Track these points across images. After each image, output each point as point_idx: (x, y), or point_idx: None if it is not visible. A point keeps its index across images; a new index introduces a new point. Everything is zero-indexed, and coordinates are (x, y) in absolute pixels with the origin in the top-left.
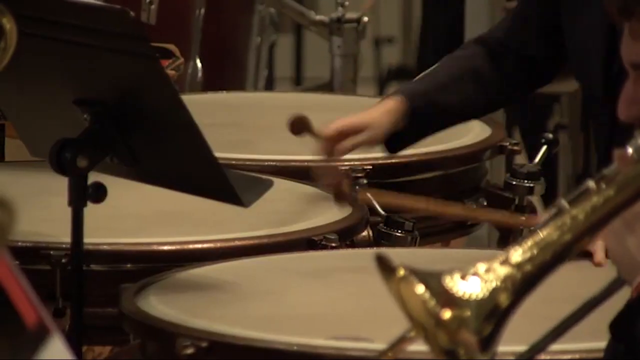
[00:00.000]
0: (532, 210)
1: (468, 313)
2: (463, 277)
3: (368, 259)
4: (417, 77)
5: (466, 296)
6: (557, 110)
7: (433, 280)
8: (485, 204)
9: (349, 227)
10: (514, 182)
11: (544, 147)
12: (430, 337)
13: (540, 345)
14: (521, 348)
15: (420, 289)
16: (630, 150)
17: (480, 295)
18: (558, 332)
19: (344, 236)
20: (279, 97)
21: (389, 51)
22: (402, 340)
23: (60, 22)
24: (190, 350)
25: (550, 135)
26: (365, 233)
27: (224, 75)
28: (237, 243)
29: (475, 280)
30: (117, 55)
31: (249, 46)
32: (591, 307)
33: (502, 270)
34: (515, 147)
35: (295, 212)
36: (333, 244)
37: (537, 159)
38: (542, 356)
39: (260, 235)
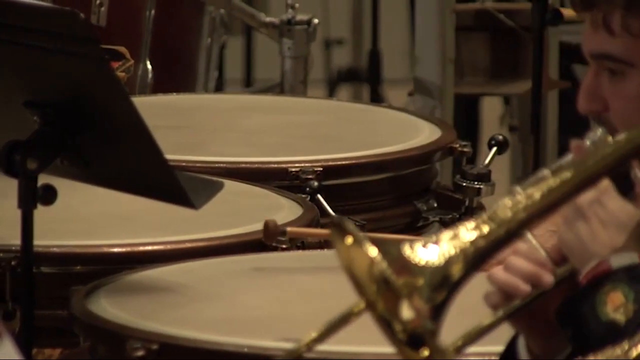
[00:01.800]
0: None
1: (421, 281)
2: (419, 247)
3: (318, 261)
4: None
5: (422, 263)
6: (507, 112)
7: (391, 247)
8: (435, 205)
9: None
10: (464, 184)
11: (494, 149)
12: (375, 306)
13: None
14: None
15: (373, 252)
16: (587, 142)
17: (436, 264)
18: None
19: (294, 238)
20: (229, 99)
21: (339, 53)
22: (349, 315)
23: (10, 24)
24: (140, 353)
25: (500, 137)
26: None
27: (174, 77)
28: (188, 245)
29: (433, 249)
30: (67, 58)
31: (200, 48)
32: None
33: (456, 243)
34: (465, 149)
35: (247, 214)
36: (284, 246)
37: (486, 161)
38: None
39: (211, 237)
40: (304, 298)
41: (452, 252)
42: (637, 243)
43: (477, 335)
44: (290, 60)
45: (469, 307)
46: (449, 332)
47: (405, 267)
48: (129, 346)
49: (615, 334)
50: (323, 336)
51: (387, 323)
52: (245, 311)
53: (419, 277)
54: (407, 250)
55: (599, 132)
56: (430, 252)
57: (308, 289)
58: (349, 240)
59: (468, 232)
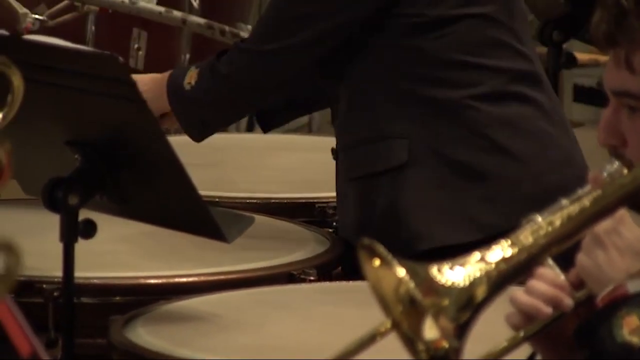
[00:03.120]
0: None
1: (447, 301)
2: (450, 268)
3: (345, 292)
4: None
5: (448, 284)
6: None
7: (419, 268)
8: None
9: (326, 261)
10: None
11: None
12: (400, 325)
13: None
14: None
15: (401, 272)
16: (604, 174)
17: (462, 285)
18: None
19: (322, 270)
20: (258, 138)
21: None
22: (375, 334)
23: (54, 67)
24: None
25: None
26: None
27: None
28: (221, 277)
29: (460, 270)
30: (107, 99)
31: None
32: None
33: (479, 267)
34: None
35: (276, 247)
36: (311, 277)
37: None
38: None
39: (242, 270)
40: (331, 328)
41: (477, 274)
42: None
43: (498, 355)
44: None
45: (487, 328)
46: (470, 351)
47: (432, 288)
48: None
49: (630, 355)
50: (349, 354)
51: (411, 342)
52: (274, 340)
53: (444, 298)
54: (434, 271)
55: (615, 164)
56: (457, 274)
57: (335, 319)
58: (377, 261)
59: (492, 256)
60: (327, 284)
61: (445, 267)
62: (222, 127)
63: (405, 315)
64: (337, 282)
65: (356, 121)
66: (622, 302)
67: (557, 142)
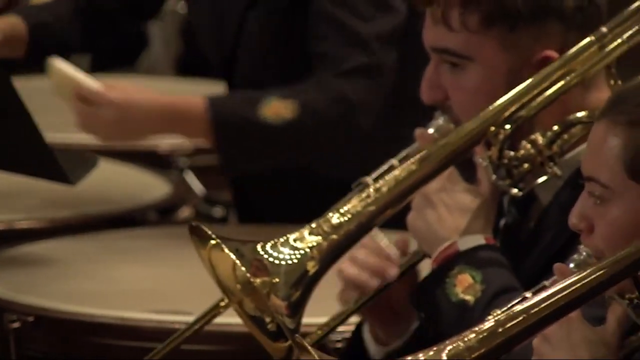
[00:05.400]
0: None
1: (277, 279)
2: (274, 246)
3: (188, 237)
4: None
5: (276, 263)
6: None
7: (245, 249)
8: None
9: (169, 205)
10: None
11: None
12: (240, 305)
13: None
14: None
15: (231, 256)
16: (431, 130)
17: (290, 263)
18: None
19: (165, 214)
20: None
21: None
22: (214, 309)
23: None
24: (16, 325)
25: None
26: (187, 212)
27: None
28: (63, 222)
29: (286, 249)
30: None
31: None
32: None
33: (310, 239)
34: None
35: (119, 191)
36: (154, 221)
37: None
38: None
39: (85, 214)
40: (174, 272)
41: (307, 248)
42: (482, 225)
43: (328, 329)
44: None
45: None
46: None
47: (262, 267)
48: (5, 318)
49: (465, 313)
50: (192, 329)
51: (254, 319)
52: (117, 285)
53: (274, 276)
54: (261, 251)
55: (440, 120)
56: (285, 250)
57: (178, 263)
58: (209, 245)
59: (321, 228)
60: (170, 228)
61: (273, 244)
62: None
63: (245, 294)
64: (181, 226)
65: None
66: (454, 261)
67: None
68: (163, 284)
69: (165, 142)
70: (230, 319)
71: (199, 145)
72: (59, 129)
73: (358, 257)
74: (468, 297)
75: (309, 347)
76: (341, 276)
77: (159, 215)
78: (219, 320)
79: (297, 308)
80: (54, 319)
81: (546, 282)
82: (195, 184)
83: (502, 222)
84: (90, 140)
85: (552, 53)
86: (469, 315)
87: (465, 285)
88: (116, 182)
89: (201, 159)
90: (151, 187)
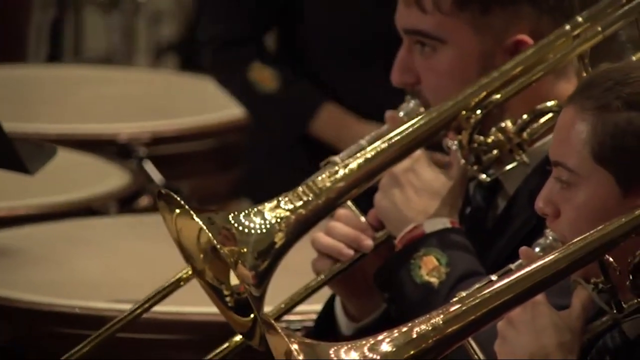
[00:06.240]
0: None
1: (245, 249)
2: (246, 216)
3: (147, 226)
4: None
5: (245, 232)
6: None
7: (216, 217)
8: None
9: (128, 195)
10: None
11: None
12: (203, 273)
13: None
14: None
15: (199, 222)
16: (401, 113)
17: (259, 233)
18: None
19: (124, 204)
20: (59, 70)
21: (165, 25)
22: (177, 281)
23: None
24: None
25: None
26: (146, 201)
27: (5, 49)
28: (20, 211)
29: (257, 219)
30: None
31: (30, 22)
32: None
33: (279, 212)
34: None
35: (78, 180)
36: (113, 211)
37: None
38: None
39: (42, 204)
40: (134, 262)
41: (274, 221)
42: (449, 209)
43: (300, 298)
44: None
45: (296, 269)
46: (276, 295)
47: (230, 236)
48: None
49: (429, 295)
50: (153, 301)
51: (215, 290)
52: (76, 275)
53: (243, 246)
54: (231, 220)
55: (411, 103)
56: (254, 221)
57: (137, 253)
58: (176, 211)
59: (289, 202)
60: (129, 217)
61: (242, 215)
62: None
63: (208, 264)
64: (140, 215)
65: None
66: (420, 243)
67: None
68: (124, 273)
69: (125, 131)
70: (191, 308)
71: (158, 135)
72: (17, 119)
73: (332, 227)
74: (433, 280)
75: (272, 321)
76: (316, 245)
77: (119, 204)
78: (179, 308)
79: (263, 278)
80: (12, 308)
81: (512, 266)
82: (155, 173)
83: (468, 209)
84: (48, 130)
85: (525, 37)
86: (433, 297)
87: (430, 268)
88: (75, 171)
89: (160, 149)
90: (110, 176)
